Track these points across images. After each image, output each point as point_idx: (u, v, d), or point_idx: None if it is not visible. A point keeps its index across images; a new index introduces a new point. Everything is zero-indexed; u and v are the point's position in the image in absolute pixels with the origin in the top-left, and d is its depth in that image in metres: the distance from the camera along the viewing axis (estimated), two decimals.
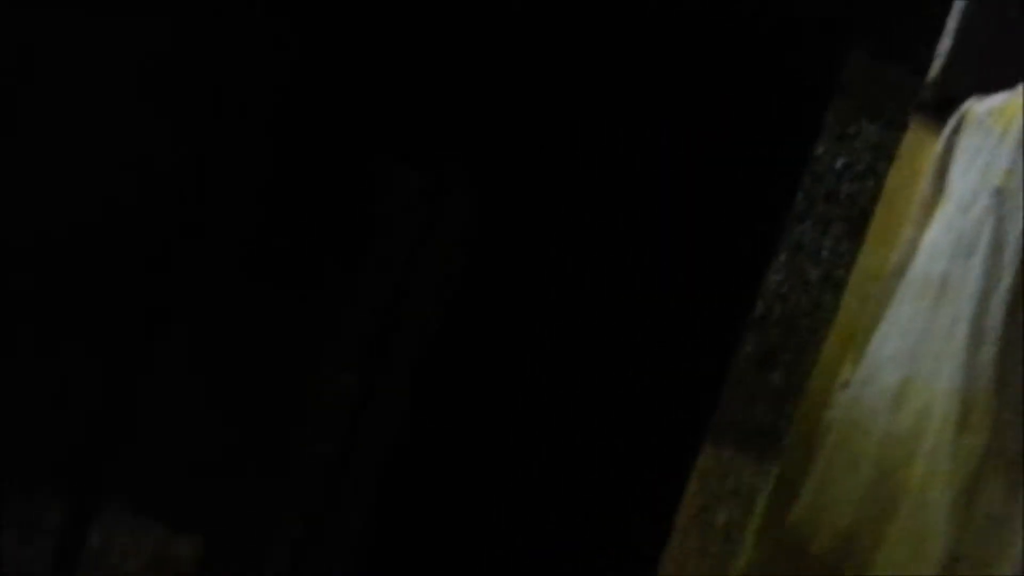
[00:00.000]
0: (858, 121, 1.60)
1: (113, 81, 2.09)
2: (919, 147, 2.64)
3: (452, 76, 1.97)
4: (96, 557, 2.23)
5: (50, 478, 2.19)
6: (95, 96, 2.10)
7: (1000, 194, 2.63)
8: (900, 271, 2.68)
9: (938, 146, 2.63)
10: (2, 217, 2.08)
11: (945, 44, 2.46)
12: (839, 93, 1.60)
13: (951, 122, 2.62)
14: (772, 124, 1.65)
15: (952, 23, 2.47)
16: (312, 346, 2.30)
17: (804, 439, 2.55)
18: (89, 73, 2.07)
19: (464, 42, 2.11)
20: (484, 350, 1.97)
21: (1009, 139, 2.63)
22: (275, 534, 2.33)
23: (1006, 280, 2.61)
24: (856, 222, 1.62)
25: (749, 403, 1.63)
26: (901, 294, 2.72)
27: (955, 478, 2.61)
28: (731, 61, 1.71)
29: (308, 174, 2.04)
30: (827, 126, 1.58)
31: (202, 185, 2.20)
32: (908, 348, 2.69)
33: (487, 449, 1.91)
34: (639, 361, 1.73)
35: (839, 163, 1.61)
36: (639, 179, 1.77)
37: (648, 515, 1.68)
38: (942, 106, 2.68)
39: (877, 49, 1.59)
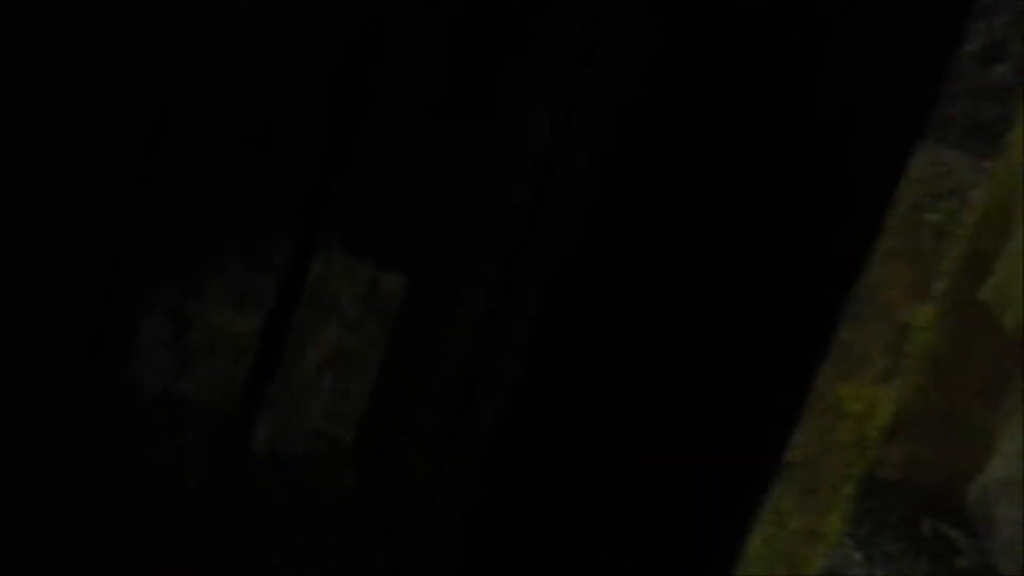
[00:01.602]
0: None
1: None
2: None
3: None
4: (316, 287, 2.42)
5: (279, 212, 2.37)
6: None
7: None
8: None
9: None
10: None
11: None
12: None
13: None
14: None
15: None
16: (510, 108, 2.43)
17: (1003, 212, 2.56)
18: None
19: None
20: (658, 152, 2.06)
21: None
22: (472, 277, 2.49)
23: None
24: None
25: (971, 99, 1.71)
26: None
27: None
28: None
29: None
30: None
31: None
32: None
33: (666, 236, 2.01)
34: (859, 51, 1.79)
35: None
36: None
37: (857, 211, 1.78)
38: None
39: None
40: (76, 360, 2.34)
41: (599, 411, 2.36)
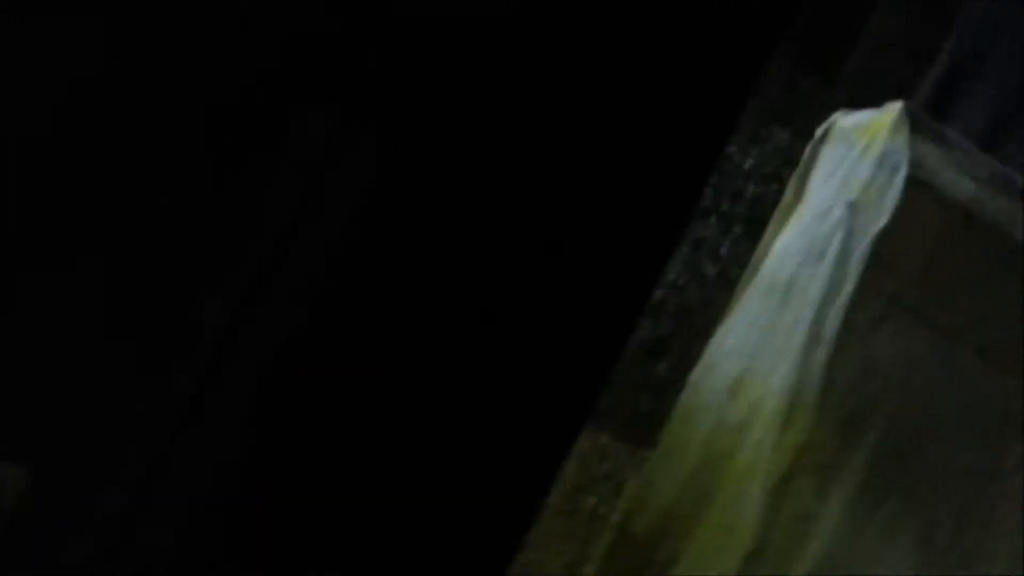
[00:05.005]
0: (769, 126, 1.63)
1: None
2: None
3: (360, 21, 1.91)
4: None
5: None
6: None
7: (853, 207, 2.74)
8: (753, 271, 2.76)
9: (804, 154, 2.72)
10: None
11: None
12: (755, 97, 1.62)
13: (818, 132, 2.71)
14: (686, 120, 1.66)
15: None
16: (195, 276, 2.22)
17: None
18: None
19: None
20: (369, 302, 1.93)
21: (869, 155, 2.74)
22: (107, 476, 2.25)
23: (846, 290, 2.73)
24: (756, 223, 1.65)
25: (633, 391, 1.64)
26: (750, 292, 2.81)
27: (772, 472, 2.71)
28: (654, 52, 1.71)
29: (214, 118, 1.96)
30: (741, 128, 1.61)
31: None
32: (749, 343, 2.77)
33: (362, 404, 1.88)
34: (529, 340, 1.73)
35: (748, 164, 1.64)
36: (546, 153, 1.76)
37: (520, 495, 1.68)
38: None
39: (795, 58, 1.61)
40: None
41: None
